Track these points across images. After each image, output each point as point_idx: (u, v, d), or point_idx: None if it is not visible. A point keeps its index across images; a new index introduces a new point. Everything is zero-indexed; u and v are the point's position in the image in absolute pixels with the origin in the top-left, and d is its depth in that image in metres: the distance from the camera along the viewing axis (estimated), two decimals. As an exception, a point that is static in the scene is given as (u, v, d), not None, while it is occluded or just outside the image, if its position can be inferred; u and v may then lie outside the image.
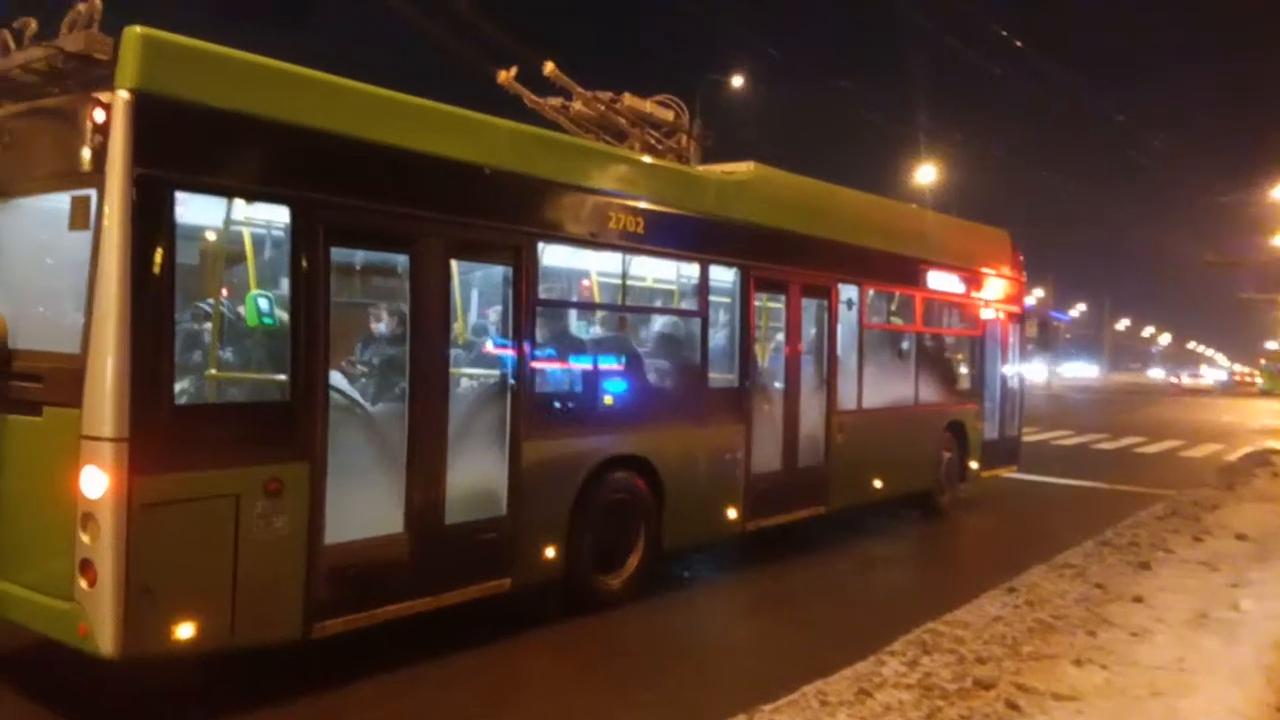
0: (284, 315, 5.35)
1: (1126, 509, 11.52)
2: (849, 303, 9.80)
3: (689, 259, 8.08)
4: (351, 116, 5.58)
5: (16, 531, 5.00)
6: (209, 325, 5.43)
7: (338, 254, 5.55)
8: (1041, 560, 8.30)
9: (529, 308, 6.56)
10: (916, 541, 10.81)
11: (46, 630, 4.85)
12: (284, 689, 5.30)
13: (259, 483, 4.99)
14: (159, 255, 4.63)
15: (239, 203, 5.34)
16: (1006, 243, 13.28)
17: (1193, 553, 8.76)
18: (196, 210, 5.14)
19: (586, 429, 7.07)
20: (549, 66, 8.13)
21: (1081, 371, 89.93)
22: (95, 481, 4.47)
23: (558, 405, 7.02)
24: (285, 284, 5.38)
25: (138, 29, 4.62)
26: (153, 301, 4.61)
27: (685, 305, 8.56)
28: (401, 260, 5.95)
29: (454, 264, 6.32)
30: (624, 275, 7.66)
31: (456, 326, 6.72)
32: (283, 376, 5.27)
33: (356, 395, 5.96)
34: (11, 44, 5.27)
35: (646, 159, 8.03)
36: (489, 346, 6.86)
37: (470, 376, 6.75)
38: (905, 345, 11.06)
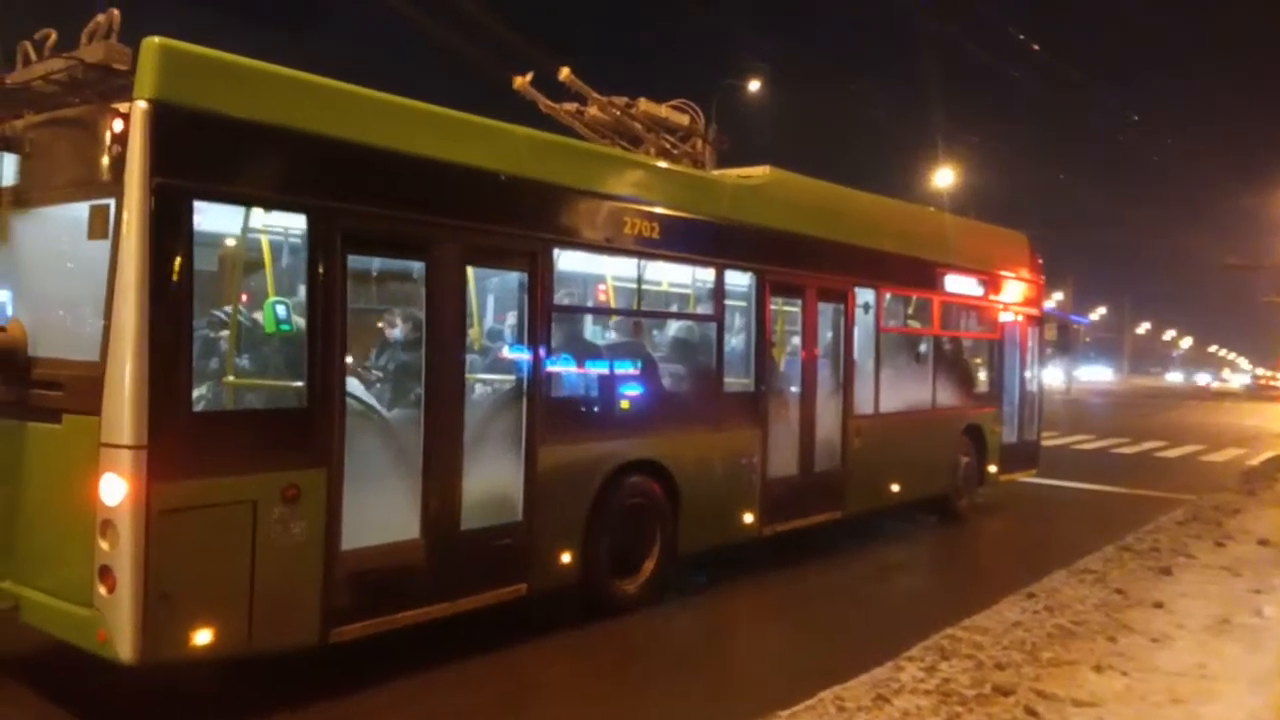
0: (301, 322, 5.38)
1: (1147, 514, 11.43)
2: (865, 306, 9.77)
3: (704, 264, 8.07)
4: (368, 124, 5.60)
5: (37, 538, 5.04)
6: (226, 332, 5.47)
7: (354, 261, 5.58)
8: (1061, 565, 8.24)
9: (544, 313, 6.57)
10: (934, 546, 10.76)
11: (66, 636, 4.88)
12: (300, 694, 5.32)
13: (276, 489, 5.01)
14: (177, 263, 4.66)
15: (256, 211, 5.37)
16: (1025, 245, 13.21)
17: (1214, 558, 8.69)
18: (214, 218, 5.18)
19: (602, 434, 7.08)
20: (564, 72, 8.15)
21: (1097, 375, 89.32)
22: (114, 488, 4.50)
23: (573, 410, 7.02)
24: (302, 291, 5.41)
25: (156, 39, 4.66)
26: (171, 309, 4.64)
27: (701, 310, 8.55)
28: (418, 267, 5.97)
29: (470, 270, 6.34)
30: (639, 280, 7.66)
31: (472, 332, 6.74)
32: (300, 383, 5.29)
33: (373, 401, 5.98)
34: (32, 55, 5.32)
35: (661, 164, 8.03)
36: (505, 352, 6.87)
37: (486, 382, 6.76)
38: (923, 349, 11.02)
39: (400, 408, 6.07)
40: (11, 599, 5.06)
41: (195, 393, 4.97)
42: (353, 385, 5.71)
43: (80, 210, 4.91)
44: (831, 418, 9.34)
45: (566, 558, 6.69)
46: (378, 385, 6.17)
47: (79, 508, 4.63)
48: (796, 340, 9.25)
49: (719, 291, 8.07)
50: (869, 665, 5.56)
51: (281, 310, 5.51)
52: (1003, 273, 12.33)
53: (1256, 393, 72.49)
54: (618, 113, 8.36)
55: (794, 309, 9.25)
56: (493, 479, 6.30)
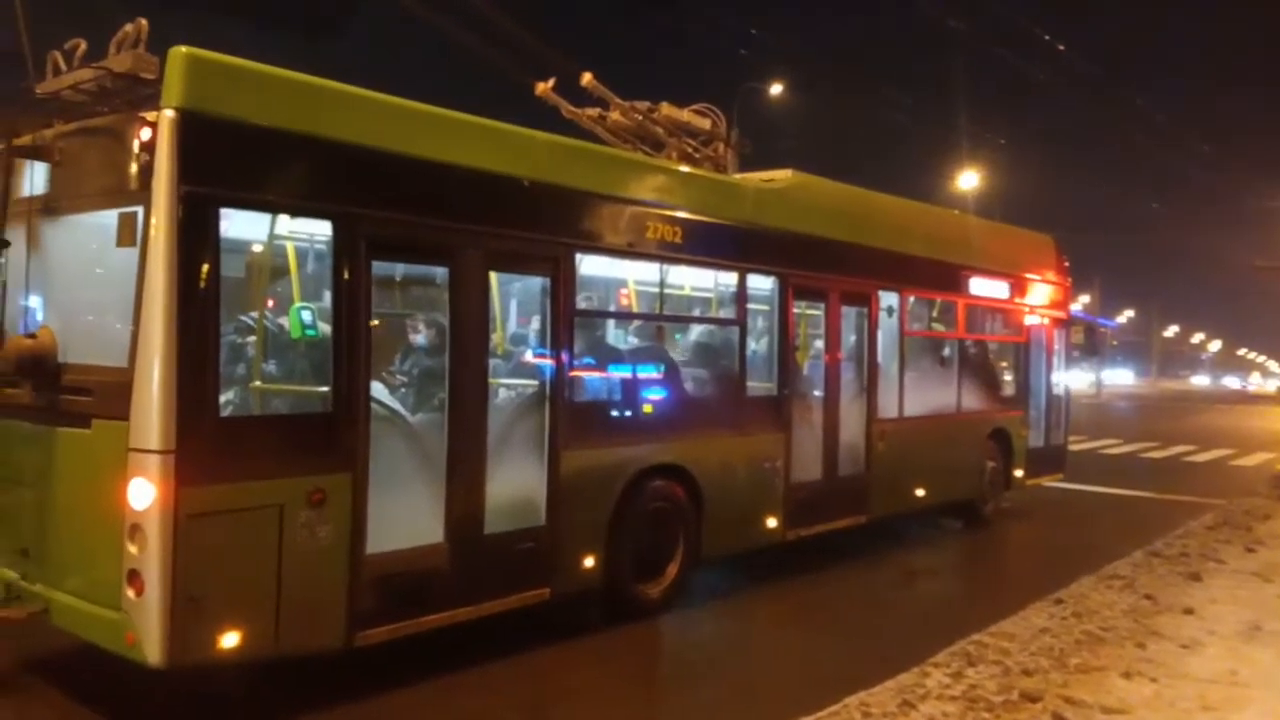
0: (326, 328, 5.41)
1: (1176, 519, 11.31)
2: (889, 310, 9.73)
3: (727, 267, 8.07)
4: (391, 131, 5.64)
5: (66, 541, 5.10)
6: (253, 338, 5.53)
7: (379, 267, 5.62)
8: (1089, 571, 8.18)
9: (567, 318, 6.58)
10: (959, 551, 10.69)
11: (95, 638, 4.93)
12: (325, 697, 5.35)
13: (302, 493, 5.05)
14: (204, 270, 4.70)
15: (282, 217, 5.43)
16: (1051, 248, 13.11)
17: (1244, 563, 8.60)
18: (241, 225, 5.22)
19: (625, 438, 7.08)
20: (586, 77, 8.17)
21: (1119, 378, 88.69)
22: (142, 493, 4.55)
23: (596, 415, 7.03)
24: (327, 297, 5.45)
25: (183, 49, 4.71)
26: (198, 316, 4.68)
27: (723, 314, 8.54)
28: (441, 272, 6.01)
29: (493, 275, 6.36)
30: (662, 284, 7.66)
31: (495, 337, 6.77)
32: (325, 388, 5.33)
33: (397, 406, 6.01)
34: (62, 65, 5.40)
35: (684, 168, 8.04)
36: (528, 357, 6.89)
37: (509, 387, 6.78)
38: (948, 352, 10.95)
39: (424, 412, 6.10)
40: (41, 602, 5.12)
41: (222, 398, 5.02)
42: (377, 390, 5.74)
43: (109, 218, 4.97)
44: (855, 422, 9.30)
45: (589, 562, 6.69)
46: (402, 390, 6.21)
47: (108, 512, 4.67)
48: (819, 344, 9.22)
49: (741, 295, 8.05)
50: (894, 671, 5.54)
51: (307, 316, 5.57)
52: (1028, 275, 12.23)
53: None
54: (639, 117, 8.37)
55: (817, 312, 9.23)
56: (516, 483, 6.31)
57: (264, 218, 5.33)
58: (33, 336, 5.23)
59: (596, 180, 6.92)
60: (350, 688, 5.48)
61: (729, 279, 8.16)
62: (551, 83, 8.20)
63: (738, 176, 9.04)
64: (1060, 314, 13.09)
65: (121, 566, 4.62)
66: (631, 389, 7.26)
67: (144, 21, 5.09)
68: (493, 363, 6.42)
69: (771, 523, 8.23)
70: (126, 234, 4.83)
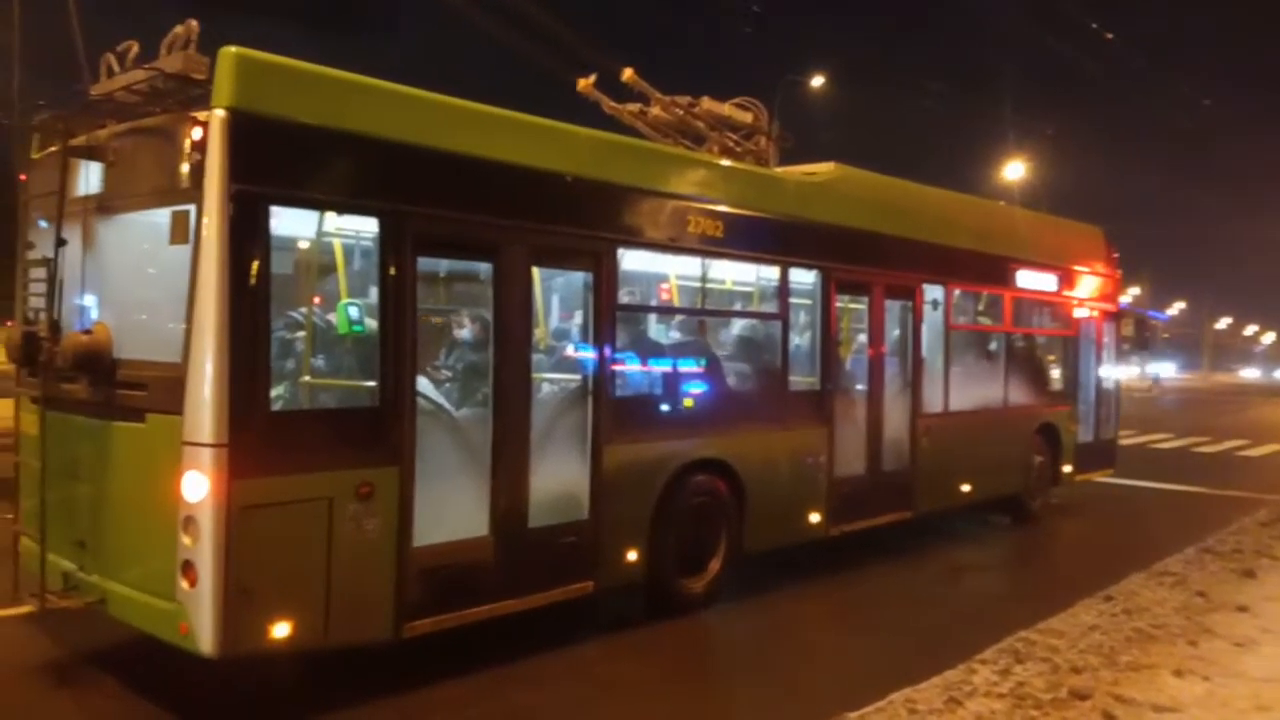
0: (373, 323, 5.49)
1: (1229, 514, 11.11)
2: (934, 303, 9.64)
3: (769, 261, 8.03)
4: (437, 129, 5.69)
5: (122, 533, 5.22)
6: (302, 334, 5.62)
7: (424, 263, 5.67)
8: (1139, 567, 8.06)
9: (609, 313, 6.61)
10: (1007, 547, 10.57)
11: (149, 628, 5.05)
12: (372, 688, 5.42)
13: (351, 486, 5.12)
14: (255, 267, 4.78)
15: (330, 215, 5.50)
16: (1100, 239, 12.90)
17: (1301, 560, 8.41)
18: (290, 223, 5.31)
19: (667, 433, 7.09)
20: (627, 72, 8.18)
21: (1163, 371, 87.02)
22: (196, 485, 4.64)
23: (638, 409, 7.04)
24: (374, 293, 5.51)
25: (232, 49, 4.79)
26: (249, 312, 4.76)
27: (765, 308, 8.51)
28: (485, 268, 6.06)
29: (536, 271, 6.40)
30: (703, 279, 7.66)
31: (538, 332, 6.80)
32: (372, 383, 5.40)
33: (442, 400, 6.08)
34: (115, 66, 5.52)
35: (725, 162, 8.01)
36: (570, 351, 6.92)
37: (552, 381, 6.81)
38: (994, 346, 10.83)
39: (469, 407, 6.15)
40: (98, 592, 5.25)
41: (273, 392, 5.11)
42: (423, 385, 5.80)
43: (162, 216, 5.06)
44: (899, 416, 9.23)
45: (632, 556, 6.72)
46: (447, 385, 6.27)
47: (162, 504, 4.78)
48: (863, 338, 9.16)
49: (784, 289, 8.02)
50: (940, 668, 5.50)
51: (354, 312, 5.64)
52: (1077, 267, 12.05)
53: None
54: (680, 112, 8.37)
55: (860, 306, 9.17)
56: (559, 477, 6.35)
57: (312, 215, 5.42)
58: (88, 333, 5.35)
59: (638, 175, 6.93)
60: (399, 680, 5.54)
61: (771, 273, 8.13)
62: (593, 78, 8.22)
63: (779, 170, 9.01)
64: (1109, 306, 12.88)
65: (175, 558, 4.72)
66: (673, 383, 7.26)
67: (194, 23, 5.17)
68: (536, 358, 6.46)
69: (814, 518, 8.19)
70: (179, 232, 4.92)
